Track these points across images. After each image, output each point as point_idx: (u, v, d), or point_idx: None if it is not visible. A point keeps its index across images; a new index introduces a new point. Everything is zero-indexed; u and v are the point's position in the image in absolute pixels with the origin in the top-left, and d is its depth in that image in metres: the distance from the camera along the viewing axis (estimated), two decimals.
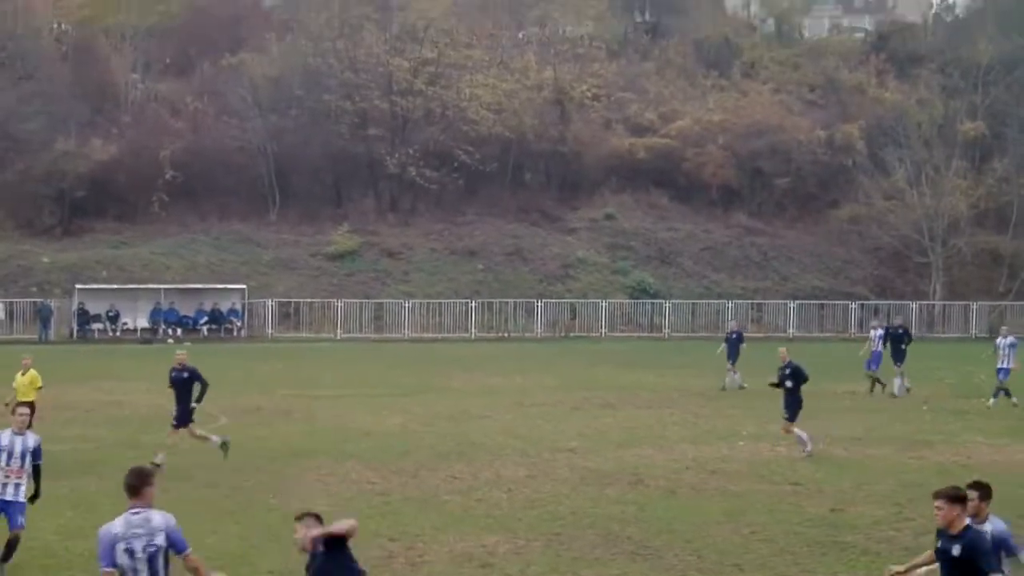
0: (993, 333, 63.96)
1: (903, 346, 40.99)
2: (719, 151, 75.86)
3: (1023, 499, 23.28)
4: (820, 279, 71.44)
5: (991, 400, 37.63)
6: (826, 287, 70.17)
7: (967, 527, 11.49)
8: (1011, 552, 12.34)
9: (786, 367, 28.53)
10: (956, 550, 11.42)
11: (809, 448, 27.95)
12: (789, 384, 28.36)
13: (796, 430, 28.25)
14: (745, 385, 40.50)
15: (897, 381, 40.50)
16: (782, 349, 29.99)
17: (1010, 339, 38.82)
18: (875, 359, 41.37)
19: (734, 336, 42.68)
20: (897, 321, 44.47)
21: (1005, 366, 38.12)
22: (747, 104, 79.07)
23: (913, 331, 65.00)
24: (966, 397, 40.36)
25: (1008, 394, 37.75)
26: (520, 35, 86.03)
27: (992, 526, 12.59)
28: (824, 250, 73.68)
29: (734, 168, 75.88)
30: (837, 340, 60.57)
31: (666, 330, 62.99)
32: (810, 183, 76.67)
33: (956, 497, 11.54)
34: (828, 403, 38.35)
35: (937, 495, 11.66)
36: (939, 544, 11.72)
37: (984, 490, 12.75)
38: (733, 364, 41.52)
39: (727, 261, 72.53)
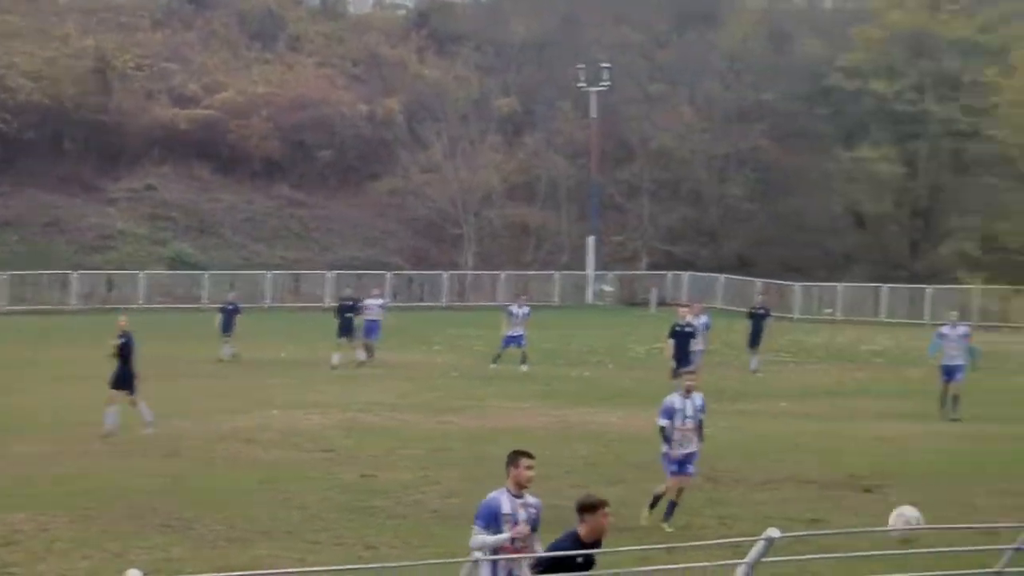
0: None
1: (348, 315, 40.70)
2: (263, 123, 75.84)
3: (546, 459, 24.72)
4: (359, 250, 72.60)
5: (524, 366, 39.44)
6: (365, 257, 71.39)
7: None
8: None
9: (121, 336, 27.67)
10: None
11: (150, 424, 27.21)
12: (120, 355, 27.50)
13: (141, 404, 27.33)
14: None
15: (335, 355, 39.87)
16: (121, 319, 28.78)
17: (525, 309, 40.78)
18: (370, 328, 42.04)
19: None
20: (346, 292, 43.80)
21: (517, 334, 39.95)
22: (292, 77, 79.35)
23: (444, 300, 67.34)
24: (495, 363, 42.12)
25: (520, 361, 39.62)
26: (61, 1, 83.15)
27: None
28: (364, 221, 74.92)
29: (278, 140, 76.02)
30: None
31: (205, 301, 62.54)
32: (352, 156, 77.70)
33: None
34: (365, 370, 39.33)
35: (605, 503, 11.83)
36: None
37: None
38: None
39: (268, 232, 72.74)
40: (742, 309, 49.09)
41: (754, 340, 39.78)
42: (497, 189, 75.23)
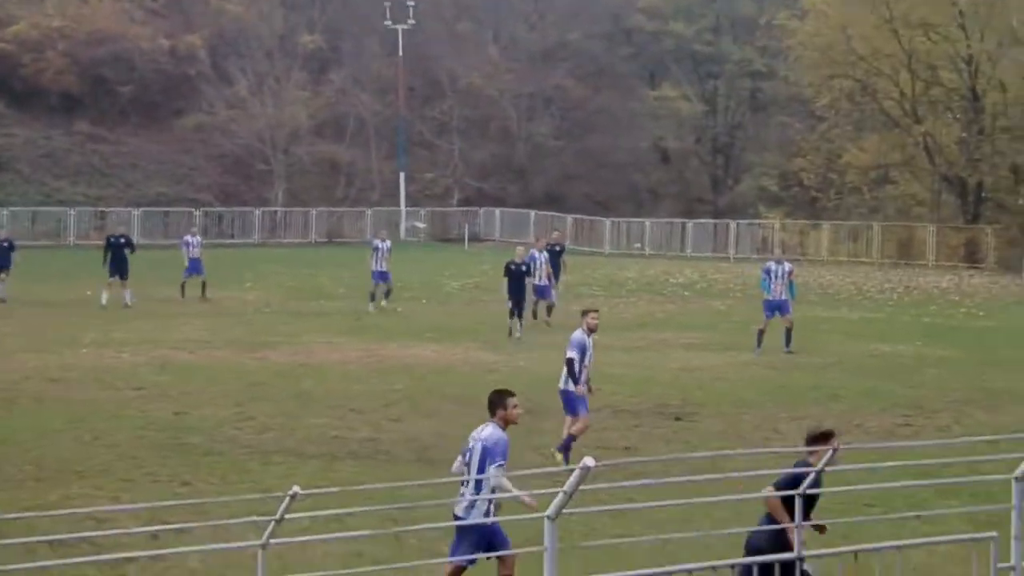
0: (333, 238, 66.77)
1: (120, 252, 39.23)
2: (59, 57, 73.82)
3: (362, 394, 24.79)
4: (165, 186, 71.37)
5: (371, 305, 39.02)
6: (172, 194, 70.23)
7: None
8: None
9: None
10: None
11: None
12: None
13: None
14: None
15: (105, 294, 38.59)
16: None
17: (388, 243, 40.41)
18: (195, 266, 41.56)
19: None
20: (118, 229, 42.31)
21: (384, 269, 39.50)
22: (89, 12, 77.24)
23: (256, 237, 66.60)
24: (306, 299, 41.94)
25: (382, 297, 39.11)
26: None
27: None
28: (169, 158, 73.58)
29: (75, 75, 74.13)
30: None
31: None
32: (154, 91, 76.12)
33: None
34: (169, 308, 38.80)
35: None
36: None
37: None
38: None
39: (69, 168, 71.04)
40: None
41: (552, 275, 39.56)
42: (305, 126, 74.57)
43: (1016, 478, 9.88)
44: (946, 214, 65.58)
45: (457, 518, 12.60)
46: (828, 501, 14.52)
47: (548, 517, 10.48)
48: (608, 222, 66.99)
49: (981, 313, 41.56)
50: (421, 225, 71.17)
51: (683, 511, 14.73)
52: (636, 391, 25.47)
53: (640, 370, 28.19)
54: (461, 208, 72.75)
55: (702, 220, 68.13)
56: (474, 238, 67.74)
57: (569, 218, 66.89)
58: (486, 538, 12.41)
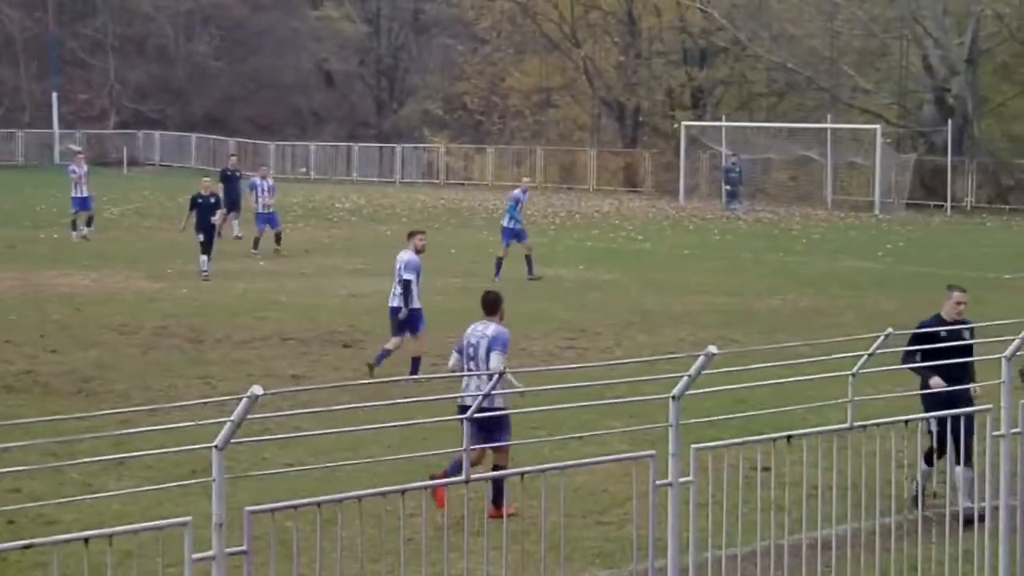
0: None
1: None
2: None
3: (15, 325, 23.86)
4: None
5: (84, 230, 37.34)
6: None
7: None
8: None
9: None
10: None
11: None
12: None
13: None
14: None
15: None
16: None
17: (84, 167, 38.50)
18: None
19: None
20: None
21: (85, 195, 37.69)
22: None
23: None
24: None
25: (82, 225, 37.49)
26: None
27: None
28: None
29: None
30: None
31: None
32: None
33: None
34: None
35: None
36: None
37: None
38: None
39: None
40: (215, 168, 48.85)
41: (232, 204, 38.30)
42: None
43: (673, 397, 10.16)
44: (606, 138, 67.26)
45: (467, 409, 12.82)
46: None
47: (216, 447, 10.29)
48: (272, 146, 66.18)
49: (639, 237, 42.88)
50: (76, 148, 68.79)
51: (351, 438, 14.71)
52: (304, 318, 25.32)
53: (308, 296, 28.05)
54: (118, 131, 70.62)
55: (367, 144, 68.00)
56: (133, 162, 65.98)
57: (232, 141, 65.74)
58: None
